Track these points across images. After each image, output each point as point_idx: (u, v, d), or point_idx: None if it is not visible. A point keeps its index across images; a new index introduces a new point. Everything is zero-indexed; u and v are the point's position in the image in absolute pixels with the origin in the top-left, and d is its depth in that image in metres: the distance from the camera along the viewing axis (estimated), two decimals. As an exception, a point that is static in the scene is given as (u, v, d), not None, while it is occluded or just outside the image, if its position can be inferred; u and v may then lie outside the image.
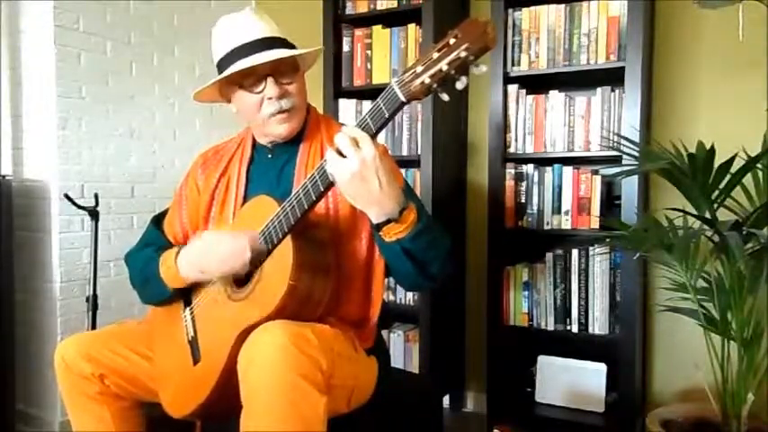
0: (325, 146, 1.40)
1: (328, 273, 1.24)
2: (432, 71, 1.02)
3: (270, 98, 1.33)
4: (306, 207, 1.17)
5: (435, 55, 1.02)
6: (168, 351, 1.38)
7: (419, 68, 1.03)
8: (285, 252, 1.19)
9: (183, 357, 1.34)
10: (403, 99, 1.05)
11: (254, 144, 1.48)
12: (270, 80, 1.32)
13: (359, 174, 1.08)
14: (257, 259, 1.23)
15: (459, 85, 1.03)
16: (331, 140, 1.36)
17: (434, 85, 1.03)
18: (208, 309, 1.33)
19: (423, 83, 1.02)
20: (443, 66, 1.01)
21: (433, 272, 1.25)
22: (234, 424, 1.10)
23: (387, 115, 1.07)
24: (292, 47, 1.38)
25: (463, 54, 1.00)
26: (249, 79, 1.34)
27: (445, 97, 1.05)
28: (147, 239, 1.52)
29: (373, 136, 1.10)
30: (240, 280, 1.28)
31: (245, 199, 1.41)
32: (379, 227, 1.17)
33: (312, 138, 1.42)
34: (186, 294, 1.39)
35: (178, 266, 1.32)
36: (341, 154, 1.09)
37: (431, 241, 1.21)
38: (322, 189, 1.15)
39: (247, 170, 1.46)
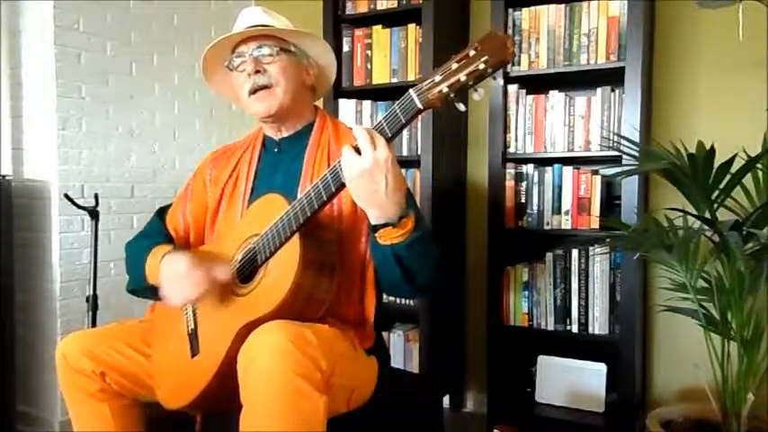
0: (332, 145, 1.42)
1: (333, 273, 1.25)
2: (450, 81, 1.04)
3: (249, 74, 1.39)
4: (316, 207, 1.18)
5: (454, 65, 1.04)
6: (167, 343, 1.39)
7: (437, 77, 1.05)
8: (292, 250, 1.20)
9: (181, 349, 1.34)
10: (420, 106, 1.06)
11: (264, 141, 1.52)
12: (250, 58, 1.39)
13: (369, 172, 1.09)
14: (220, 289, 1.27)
15: (476, 97, 1.05)
16: (338, 141, 1.40)
17: (452, 95, 1.04)
18: (210, 302, 1.33)
19: (440, 92, 1.04)
20: (462, 76, 1.03)
21: (419, 282, 1.25)
22: (233, 422, 1.10)
23: (403, 121, 1.09)
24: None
25: (482, 66, 1.02)
26: (238, 61, 1.42)
27: (462, 107, 1.06)
28: (148, 230, 1.55)
29: (388, 140, 1.11)
30: (246, 275, 1.28)
31: (253, 193, 1.43)
32: (376, 228, 1.18)
33: (320, 135, 1.45)
34: None
35: (160, 268, 1.33)
36: (358, 152, 1.11)
37: (422, 252, 1.21)
38: (333, 190, 1.16)
39: (257, 167, 1.48)
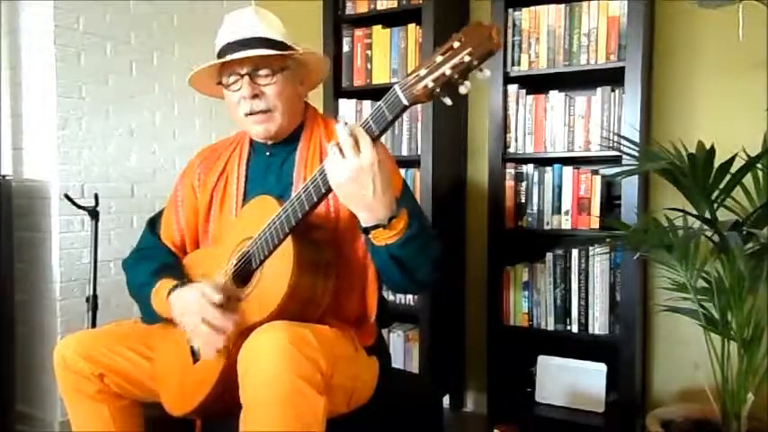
0: (324, 145, 1.39)
1: (329, 273, 1.24)
2: (435, 75, 1.00)
3: (244, 97, 1.33)
4: (307, 209, 1.17)
5: (439, 58, 1.00)
6: (168, 349, 1.38)
7: (422, 72, 1.01)
8: (286, 253, 1.19)
9: (183, 356, 1.34)
10: (406, 103, 1.03)
11: (252, 142, 1.48)
12: (246, 79, 1.32)
13: (355, 177, 1.07)
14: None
15: (463, 90, 1.01)
16: (329, 139, 1.36)
17: (437, 90, 1.01)
18: None
19: (426, 87, 1.01)
20: (447, 70, 0.99)
21: (420, 278, 1.24)
22: (234, 423, 1.10)
23: (389, 119, 1.06)
24: (284, 48, 1.36)
25: (467, 58, 0.98)
26: (230, 78, 1.35)
27: (448, 102, 1.03)
28: (143, 245, 1.52)
29: (375, 139, 1.08)
30: (241, 279, 1.28)
31: (245, 197, 1.41)
32: (367, 230, 1.16)
33: (311, 136, 1.42)
34: None
35: (170, 305, 1.29)
36: (342, 152, 1.08)
37: (419, 249, 1.20)
38: (323, 191, 1.15)
39: (246, 169, 1.46)
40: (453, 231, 2.59)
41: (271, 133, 1.37)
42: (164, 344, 1.40)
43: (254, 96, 1.33)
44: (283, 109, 1.36)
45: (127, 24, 2.58)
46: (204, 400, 1.25)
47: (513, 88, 2.27)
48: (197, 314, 1.20)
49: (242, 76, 1.33)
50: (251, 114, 1.34)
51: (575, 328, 2.20)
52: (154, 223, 1.55)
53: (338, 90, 2.59)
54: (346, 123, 1.10)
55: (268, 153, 1.45)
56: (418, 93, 1.02)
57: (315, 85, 1.53)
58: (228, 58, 1.32)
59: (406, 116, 2.47)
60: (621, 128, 2.09)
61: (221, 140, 1.57)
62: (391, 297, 2.53)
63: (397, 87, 1.04)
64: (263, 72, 1.33)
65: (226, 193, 1.45)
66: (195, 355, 1.32)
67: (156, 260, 1.43)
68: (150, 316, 1.39)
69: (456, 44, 1.00)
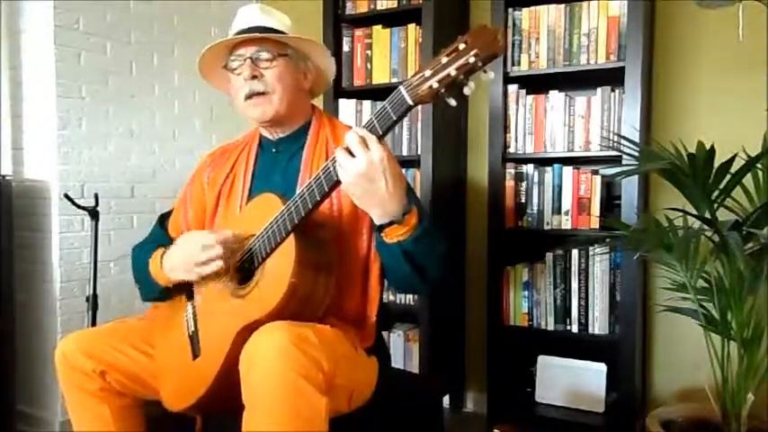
0: (330, 143, 1.42)
1: (330, 272, 1.25)
2: (440, 76, 1.02)
3: (245, 78, 1.38)
4: (310, 207, 1.18)
5: (444, 59, 1.02)
6: (168, 345, 1.39)
7: (428, 72, 1.03)
8: (288, 251, 1.19)
9: (182, 351, 1.34)
10: (410, 103, 1.05)
11: (261, 141, 1.51)
12: (248, 62, 1.39)
13: (366, 174, 1.09)
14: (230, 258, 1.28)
15: (467, 91, 1.04)
16: (336, 139, 1.40)
17: (442, 90, 1.03)
18: (209, 304, 1.34)
19: (430, 87, 1.03)
20: (452, 71, 1.01)
21: (429, 275, 1.26)
22: (234, 422, 1.10)
23: (394, 118, 1.08)
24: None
25: (472, 60, 1.00)
26: (235, 62, 1.41)
27: (453, 102, 1.05)
28: (150, 236, 1.55)
29: (380, 138, 1.10)
30: (243, 277, 1.28)
31: (251, 194, 1.43)
32: (381, 228, 1.18)
33: (317, 134, 1.45)
34: (189, 289, 1.40)
35: (163, 264, 1.36)
36: (350, 154, 1.10)
37: (430, 245, 1.22)
38: (327, 190, 1.16)
39: (254, 167, 1.48)
40: (453, 231, 2.59)
41: (267, 116, 1.40)
42: (164, 340, 1.40)
43: (254, 77, 1.38)
44: (281, 94, 1.39)
45: (127, 24, 2.58)
46: (203, 396, 1.25)
47: (513, 88, 2.27)
48: (187, 252, 1.30)
49: (245, 59, 1.39)
50: (250, 98, 1.39)
51: (575, 328, 2.20)
52: (163, 219, 1.58)
53: (338, 90, 2.59)
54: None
55: (274, 150, 1.48)
56: (423, 93, 1.04)
57: (324, 83, 1.56)
58: (226, 38, 1.40)
59: (406, 116, 2.47)
60: (621, 128, 2.09)
61: (233, 141, 1.60)
62: (391, 297, 2.53)
63: (401, 87, 1.06)
64: (264, 56, 1.39)
65: (232, 190, 1.47)
66: (195, 351, 1.32)
67: (160, 243, 1.46)
68: (149, 290, 1.43)
69: (461, 46, 1.02)
